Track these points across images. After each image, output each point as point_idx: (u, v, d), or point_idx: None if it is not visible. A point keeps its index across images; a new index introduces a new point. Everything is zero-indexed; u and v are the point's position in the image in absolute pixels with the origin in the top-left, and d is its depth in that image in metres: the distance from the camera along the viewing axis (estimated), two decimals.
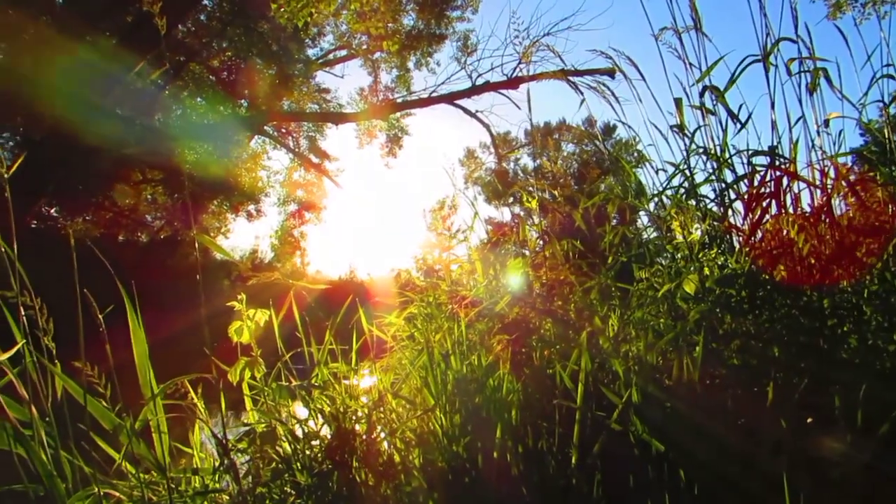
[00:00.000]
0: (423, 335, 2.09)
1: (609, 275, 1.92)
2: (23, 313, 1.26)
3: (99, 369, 1.32)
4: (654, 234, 2.26)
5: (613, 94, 2.04)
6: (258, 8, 14.38)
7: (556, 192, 2.11)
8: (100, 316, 1.25)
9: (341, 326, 1.83)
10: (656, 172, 2.05)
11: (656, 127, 2.06)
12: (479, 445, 1.21)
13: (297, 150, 20.91)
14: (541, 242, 1.96)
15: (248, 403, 1.57)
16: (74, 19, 10.47)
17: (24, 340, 1.22)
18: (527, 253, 2.22)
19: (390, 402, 1.43)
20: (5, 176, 1.25)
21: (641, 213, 2.29)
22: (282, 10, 10.87)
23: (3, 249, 1.28)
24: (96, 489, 1.34)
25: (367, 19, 12.94)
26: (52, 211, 15.10)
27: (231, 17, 15.12)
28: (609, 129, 21.07)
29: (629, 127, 2.05)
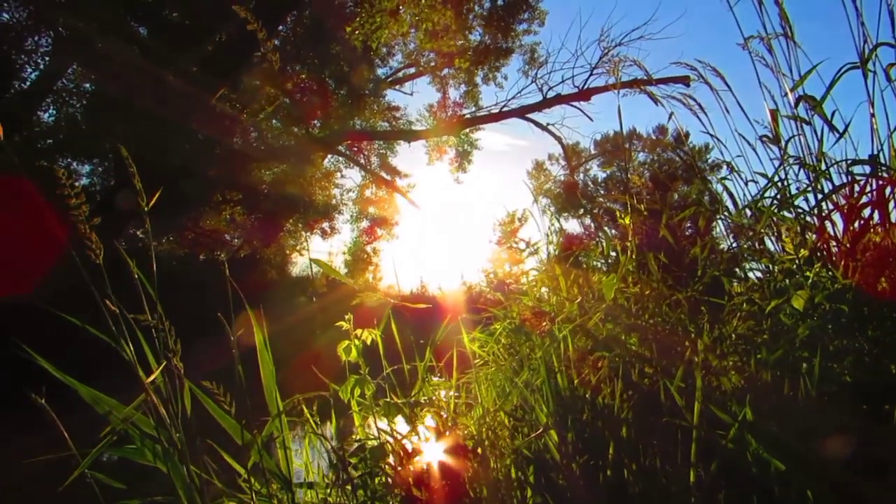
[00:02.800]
0: (511, 351, 2.12)
1: (698, 288, 1.90)
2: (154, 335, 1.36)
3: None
4: (737, 246, 2.22)
5: (700, 104, 2.03)
6: (330, 31, 14.87)
7: (640, 206, 2.11)
8: (234, 338, 1.34)
9: (426, 340, 1.88)
10: (745, 184, 2.02)
11: (743, 137, 2.04)
12: (599, 463, 1.23)
13: (368, 167, 21.35)
14: (629, 256, 1.95)
15: (357, 420, 1.64)
16: (159, 48, 11.06)
17: (164, 364, 1.32)
18: (608, 267, 2.22)
19: (503, 418, 1.46)
20: (146, 209, 1.36)
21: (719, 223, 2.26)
22: (356, 32, 11.22)
23: (136, 276, 1.39)
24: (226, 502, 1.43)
25: (440, 38, 13.14)
26: (139, 232, 15.75)
27: (304, 41, 15.69)
28: (682, 138, 20.63)
29: (717, 140, 2.03)
